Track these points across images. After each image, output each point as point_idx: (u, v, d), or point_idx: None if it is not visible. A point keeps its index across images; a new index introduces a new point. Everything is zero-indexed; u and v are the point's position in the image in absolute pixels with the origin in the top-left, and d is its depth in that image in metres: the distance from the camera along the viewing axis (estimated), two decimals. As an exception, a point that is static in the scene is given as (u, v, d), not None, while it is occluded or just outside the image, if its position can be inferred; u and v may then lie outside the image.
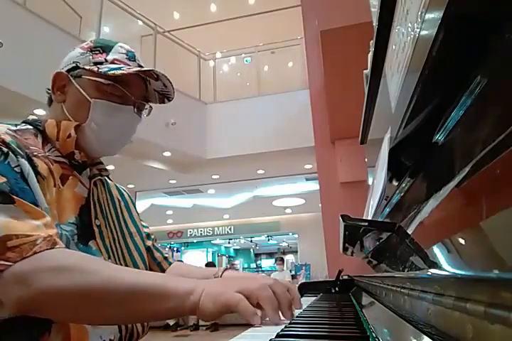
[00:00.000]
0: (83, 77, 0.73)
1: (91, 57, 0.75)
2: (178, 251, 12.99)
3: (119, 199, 0.85)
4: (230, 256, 15.40)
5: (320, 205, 3.59)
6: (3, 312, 0.53)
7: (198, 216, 10.55)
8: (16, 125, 0.70)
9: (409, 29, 0.36)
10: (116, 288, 0.51)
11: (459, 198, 0.26)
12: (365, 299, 0.69)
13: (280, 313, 0.53)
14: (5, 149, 0.59)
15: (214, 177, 7.65)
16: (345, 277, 1.22)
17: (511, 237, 0.14)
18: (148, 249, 0.86)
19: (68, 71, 0.74)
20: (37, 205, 0.57)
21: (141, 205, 8.96)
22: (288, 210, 10.42)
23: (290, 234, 11.77)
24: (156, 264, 0.88)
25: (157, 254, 0.89)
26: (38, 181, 0.61)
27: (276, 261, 8.07)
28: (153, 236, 0.91)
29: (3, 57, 3.86)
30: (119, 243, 0.77)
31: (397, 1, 0.45)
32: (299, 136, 5.73)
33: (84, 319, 0.55)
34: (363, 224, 0.55)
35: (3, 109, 4.28)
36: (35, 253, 0.51)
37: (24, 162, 0.60)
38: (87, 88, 0.72)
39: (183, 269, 0.90)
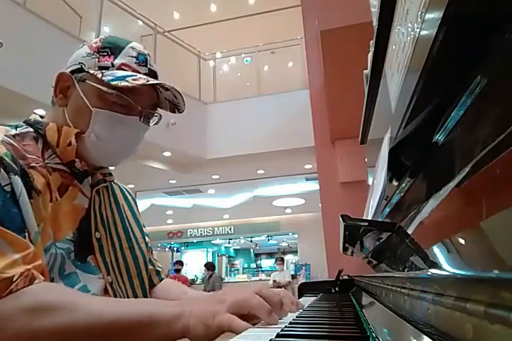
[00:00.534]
0: (87, 81, 0.67)
1: (97, 59, 0.68)
2: (178, 251, 12.99)
3: (123, 204, 0.81)
4: (230, 256, 15.39)
5: (320, 205, 3.59)
6: None
7: (198, 216, 10.55)
8: (16, 127, 0.66)
9: (409, 29, 0.36)
10: (99, 324, 0.47)
11: (459, 198, 0.26)
12: (365, 299, 0.69)
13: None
14: None
15: (214, 177, 7.65)
16: (345, 277, 1.22)
17: (511, 237, 0.14)
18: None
19: (72, 72, 0.69)
20: (24, 231, 0.54)
21: (141, 205, 8.92)
22: (288, 210, 10.42)
23: (290, 234, 11.76)
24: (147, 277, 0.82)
25: (150, 267, 0.83)
26: (33, 197, 0.57)
27: (276, 261, 8.07)
28: (150, 245, 0.86)
29: (3, 57, 3.86)
30: (123, 253, 0.74)
31: (397, 1, 0.45)
32: (299, 136, 5.72)
33: None
34: (363, 224, 0.55)
35: (3, 109, 4.28)
36: (11, 292, 0.47)
37: (17, 179, 0.56)
38: (89, 95, 0.67)
39: (171, 293, 0.83)
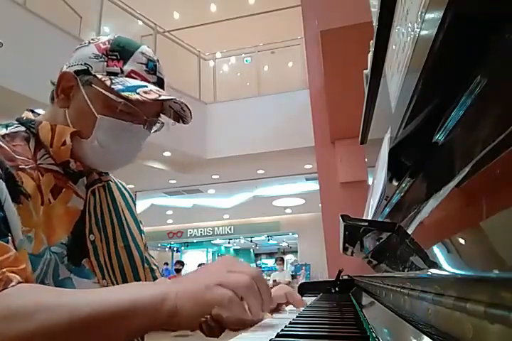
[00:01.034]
0: (93, 86, 0.64)
1: (105, 63, 0.65)
2: (178, 251, 13.00)
3: (120, 201, 0.79)
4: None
5: (320, 205, 3.59)
6: None
7: (198, 216, 10.55)
8: (6, 126, 0.64)
9: (409, 29, 0.36)
10: (79, 319, 0.44)
11: (459, 198, 0.26)
12: (365, 299, 0.69)
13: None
14: None
15: (214, 177, 7.65)
16: (345, 277, 1.22)
17: (511, 237, 0.14)
18: None
19: (77, 72, 0.65)
20: (6, 235, 0.52)
21: (141, 205, 8.95)
22: (288, 210, 10.43)
23: (290, 234, 11.77)
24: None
25: (145, 264, 0.81)
26: (21, 202, 0.55)
27: (276, 261, 8.08)
28: (145, 242, 0.84)
29: (3, 57, 3.86)
30: (118, 253, 0.72)
31: (397, 1, 0.45)
32: (299, 136, 5.73)
33: None
34: (363, 224, 0.55)
35: (3, 109, 4.28)
36: None
37: (1, 184, 0.54)
38: (95, 100, 0.64)
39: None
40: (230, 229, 11.35)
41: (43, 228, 0.58)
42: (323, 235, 3.41)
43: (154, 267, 0.83)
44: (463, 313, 0.17)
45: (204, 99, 7.00)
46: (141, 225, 0.83)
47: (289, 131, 6.06)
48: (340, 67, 2.32)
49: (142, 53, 0.68)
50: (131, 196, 0.86)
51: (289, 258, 12.88)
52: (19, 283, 0.48)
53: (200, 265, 7.46)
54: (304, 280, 7.58)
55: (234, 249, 15.85)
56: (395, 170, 0.52)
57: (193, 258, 12.18)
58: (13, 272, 0.49)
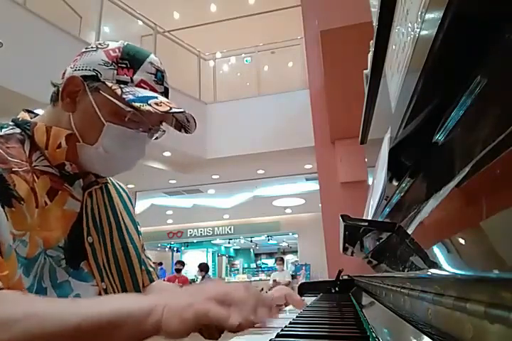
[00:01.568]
0: (101, 92, 0.64)
1: (115, 71, 0.65)
2: (178, 251, 13.00)
3: (118, 203, 0.79)
4: (230, 256, 15.40)
5: (320, 205, 3.59)
6: None
7: (198, 216, 10.55)
8: (1, 128, 0.63)
9: (409, 29, 0.36)
10: (61, 330, 0.43)
11: (459, 198, 0.26)
12: (365, 299, 0.69)
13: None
14: None
15: (214, 177, 7.65)
16: (345, 277, 1.22)
17: (511, 237, 0.14)
18: None
19: (85, 77, 0.65)
20: None
21: (141, 205, 8.96)
22: (288, 210, 10.42)
23: (290, 234, 11.76)
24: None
25: (142, 267, 0.80)
26: (13, 206, 0.55)
27: (276, 261, 8.07)
28: (142, 243, 0.83)
29: (3, 57, 3.86)
30: (116, 256, 0.72)
31: (397, 1, 0.45)
32: (299, 136, 5.73)
33: None
34: (363, 224, 0.55)
35: (3, 109, 4.28)
36: None
37: None
38: (102, 107, 0.64)
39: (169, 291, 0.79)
40: (230, 229, 11.35)
41: (38, 231, 0.57)
42: (323, 235, 3.41)
43: (151, 269, 0.82)
44: (463, 313, 0.17)
45: (204, 99, 6.99)
46: (138, 226, 0.83)
47: (289, 131, 6.06)
48: (340, 67, 2.32)
49: (151, 63, 0.69)
50: (128, 197, 0.85)
51: (289, 258, 12.89)
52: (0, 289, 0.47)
53: (200, 264, 7.47)
54: (303, 280, 7.58)
55: (234, 249, 15.85)
56: (395, 170, 0.52)
57: (193, 258, 12.18)
58: None
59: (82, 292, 0.63)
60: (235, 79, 8.33)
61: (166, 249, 12.77)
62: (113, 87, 0.63)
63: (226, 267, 14.31)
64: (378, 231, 0.57)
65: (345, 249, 0.71)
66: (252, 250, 15.90)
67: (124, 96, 0.62)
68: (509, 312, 0.13)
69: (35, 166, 0.62)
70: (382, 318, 0.42)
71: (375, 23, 0.56)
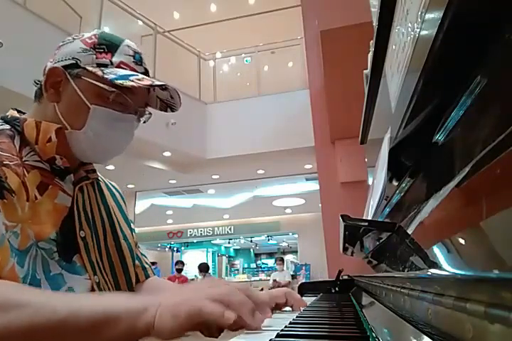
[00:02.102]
0: (83, 78, 0.65)
1: (94, 56, 0.67)
2: (178, 251, 12.99)
3: (110, 200, 0.79)
4: (230, 256, 15.40)
5: (320, 205, 3.59)
6: None
7: (198, 216, 10.55)
8: None
9: (409, 29, 0.36)
10: (49, 323, 0.42)
11: (459, 198, 0.26)
12: (365, 299, 0.69)
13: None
14: None
15: (214, 177, 7.65)
16: (345, 277, 1.22)
17: (511, 237, 0.14)
18: None
19: (65, 67, 0.67)
20: None
21: (141, 205, 8.96)
22: (288, 210, 10.42)
23: (290, 234, 11.76)
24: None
25: (136, 263, 0.80)
26: (5, 197, 0.55)
27: (276, 261, 8.08)
28: (136, 241, 0.83)
29: (3, 57, 3.86)
30: (108, 252, 0.72)
31: (397, 1, 0.45)
32: (299, 136, 5.73)
33: None
34: (363, 224, 0.55)
35: (3, 109, 4.28)
36: None
37: None
38: (86, 91, 0.65)
39: (158, 289, 0.80)
40: (230, 229, 11.34)
41: (29, 224, 0.58)
42: (323, 235, 3.42)
43: (146, 266, 0.83)
44: (463, 313, 0.17)
45: (204, 99, 7.00)
46: (131, 224, 0.83)
47: (289, 131, 6.06)
48: (340, 67, 2.32)
49: (128, 46, 0.71)
50: (121, 195, 0.85)
51: (289, 258, 12.89)
52: None
53: (201, 265, 7.47)
54: (303, 280, 7.58)
55: (234, 249, 15.85)
56: (395, 170, 0.52)
57: (193, 258, 12.18)
58: None
59: (74, 285, 0.63)
60: (235, 79, 8.33)
61: (166, 249, 12.77)
62: (94, 70, 0.65)
63: (226, 267, 14.31)
64: (378, 231, 0.57)
65: (345, 249, 0.71)
66: (252, 250, 15.90)
67: (106, 76, 0.64)
68: (509, 312, 0.13)
69: (25, 161, 0.62)
70: (382, 318, 0.42)
71: (375, 23, 0.56)
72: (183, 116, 6.24)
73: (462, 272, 0.19)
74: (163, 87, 0.69)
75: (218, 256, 14.10)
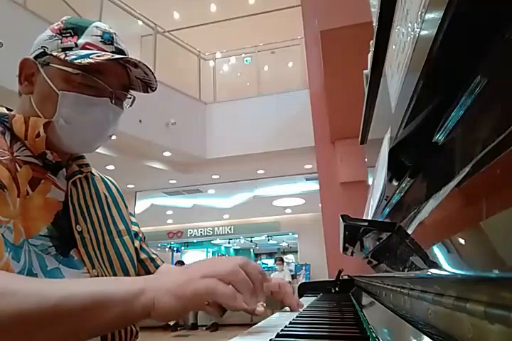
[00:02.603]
0: (51, 64, 0.64)
1: (60, 41, 0.65)
2: (178, 251, 12.99)
3: (106, 195, 0.78)
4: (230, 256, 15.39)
5: (320, 205, 3.60)
6: None
7: (198, 216, 10.55)
8: None
9: (409, 29, 0.36)
10: (44, 306, 0.41)
11: (459, 198, 0.26)
12: (365, 299, 0.69)
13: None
14: None
15: (214, 177, 7.65)
16: (345, 277, 1.22)
17: (511, 237, 0.14)
18: (135, 249, 0.79)
19: (36, 57, 0.66)
20: None
21: (141, 205, 8.96)
22: (288, 210, 10.42)
23: (290, 234, 11.76)
24: (142, 267, 0.80)
25: (143, 256, 0.80)
26: None
27: (275, 261, 8.08)
28: (141, 235, 0.83)
29: (3, 57, 3.86)
30: (106, 247, 0.71)
31: (397, 1, 0.45)
32: (299, 136, 5.73)
33: None
34: (363, 224, 0.55)
35: (3, 109, 4.29)
36: None
37: None
38: (55, 78, 0.63)
39: (169, 272, 0.79)
40: (230, 229, 11.34)
41: (21, 219, 0.57)
42: (323, 235, 3.42)
43: (154, 256, 0.82)
44: (463, 313, 0.17)
45: (204, 99, 7.00)
46: (132, 217, 0.82)
47: (289, 131, 6.07)
48: (340, 67, 2.32)
49: (96, 27, 0.68)
50: (118, 190, 0.83)
51: (289, 258, 12.89)
52: None
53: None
54: (303, 280, 7.58)
55: (234, 249, 15.85)
56: (395, 170, 0.52)
57: (193, 258, 12.17)
58: None
59: (73, 279, 0.62)
60: (235, 79, 8.33)
61: (166, 249, 12.76)
62: (58, 55, 0.63)
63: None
64: (378, 231, 0.57)
65: (345, 249, 0.71)
66: (252, 250, 15.90)
67: (67, 58, 0.62)
68: (509, 312, 0.13)
69: (16, 156, 0.62)
70: (382, 318, 0.42)
71: (375, 23, 0.56)
72: (183, 116, 6.25)
73: (462, 272, 0.19)
74: (135, 64, 0.66)
75: (218, 256, 14.10)
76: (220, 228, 11.38)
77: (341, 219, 0.58)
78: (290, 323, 0.50)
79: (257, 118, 6.43)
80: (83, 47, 0.65)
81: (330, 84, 2.67)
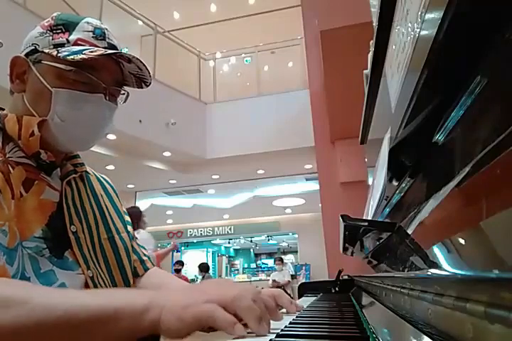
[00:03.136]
0: (43, 62, 0.63)
1: (51, 37, 0.64)
2: (178, 251, 12.97)
3: (101, 193, 0.77)
4: (230, 256, 15.39)
5: (320, 205, 3.59)
6: None
7: (198, 216, 10.55)
8: None
9: (409, 29, 0.36)
10: (46, 319, 0.40)
11: (459, 198, 0.26)
12: (365, 299, 0.69)
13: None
14: None
15: (214, 177, 7.65)
16: (345, 277, 1.22)
17: (511, 237, 0.14)
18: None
19: (27, 55, 0.64)
20: None
21: (141, 205, 8.95)
22: (288, 210, 10.42)
23: (290, 234, 11.76)
24: (130, 268, 0.77)
25: (133, 257, 0.78)
26: None
27: (275, 261, 8.08)
28: (132, 234, 0.81)
29: (3, 57, 3.86)
30: (102, 245, 0.70)
31: (397, 1, 0.45)
32: (299, 136, 5.73)
33: None
34: (363, 224, 0.55)
35: (3, 109, 4.28)
36: None
37: None
38: (47, 75, 0.62)
39: (156, 281, 0.78)
40: (230, 229, 11.34)
41: (15, 222, 0.57)
42: (323, 235, 3.42)
43: (144, 258, 0.81)
44: (463, 313, 0.17)
45: (204, 99, 6.99)
46: (125, 216, 0.81)
47: (289, 131, 6.06)
48: (341, 67, 2.32)
49: (87, 23, 0.67)
50: (113, 188, 0.83)
51: (289, 258, 12.89)
52: None
53: (201, 265, 7.45)
54: (303, 280, 7.58)
55: (234, 249, 15.85)
56: (395, 170, 0.52)
57: (193, 258, 12.17)
58: None
59: (67, 281, 0.62)
60: (235, 79, 8.33)
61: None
62: (50, 52, 0.62)
63: (226, 267, 14.30)
64: (378, 231, 0.57)
65: (345, 249, 0.71)
66: (252, 250, 15.90)
67: (59, 54, 0.61)
68: (509, 312, 0.13)
69: (9, 157, 0.61)
70: (382, 318, 0.42)
71: (375, 23, 0.57)
72: (183, 116, 6.25)
73: (462, 272, 0.19)
74: (128, 59, 0.65)
75: (218, 256, 14.10)
76: (220, 228, 11.38)
77: (341, 219, 0.58)
78: (290, 323, 0.50)
79: (257, 118, 6.43)
80: (75, 44, 0.64)
81: (330, 84, 2.67)
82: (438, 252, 0.24)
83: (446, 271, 0.22)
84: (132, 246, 0.79)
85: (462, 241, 0.21)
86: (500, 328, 0.14)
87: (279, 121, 6.22)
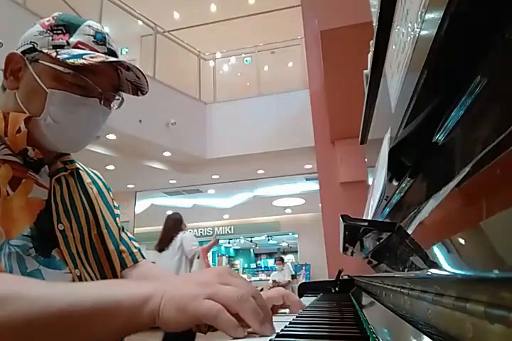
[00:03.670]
0: (40, 61, 0.62)
1: (50, 38, 0.64)
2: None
3: (91, 188, 0.76)
4: (230, 256, 15.39)
5: (320, 205, 3.60)
6: None
7: (198, 216, 10.55)
8: None
9: (409, 29, 0.36)
10: (48, 312, 0.39)
11: (459, 198, 0.26)
12: (365, 299, 0.69)
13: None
14: None
15: (214, 177, 7.65)
16: (345, 277, 1.22)
17: (511, 237, 0.14)
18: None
19: (24, 52, 0.64)
20: None
21: (141, 205, 8.95)
22: (288, 210, 10.42)
23: (290, 234, 11.76)
24: (118, 258, 0.75)
25: (121, 247, 0.76)
26: None
27: (275, 261, 8.08)
28: (120, 225, 0.79)
29: (4, 57, 3.86)
30: (91, 242, 0.70)
31: (397, 1, 0.45)
32: (299, 136, 5.73)
33: None
34: (363, 224, 0.55)
35: (3, 109, 4.28)
36: None
37: None
38: (43, 75, 0.62)
39: (148, 274, 0.77)
40: (230, 229, 11.34)
41: (1, 221, 0.56)
42: (323, 235, 3.42)
43: (134, 250, 0.79)
44: (463, 313, 0.17)
45: (204, 99, 7.00)
46: (115, 210, 0.80)
47: (289, 131, 6.07)
48: (341, 67, 2.32)
49: (89, 26, 0.67)
50: (104, 183, 0.82)
51: (289, 258, 12.89)
52: None
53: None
54: (303, 280, 7.58)
55: (234, 249, 15.85)
56: (395, 170, 0.52)
57: (193, 258, 12.14)
58: None
59: (54, 280, 0.61)
60: (235, 79, 8.33)
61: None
62: (49, 53, 0.62)
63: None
64: (378, 231, 0.57)
65: (345, 249, 0.71)
66: (252, 250, 15.91)
67: (59, 56, 0.60)
68: (509, 312, 0.13)
69: None
70: (382, 318, 0.42)
71: (375, 23, 0.56)
72: (183, 116, 6.25)
73: (462, 272, 0.19)
74: (127, 67, 0.65)
75: (218, 256, 14.10)
76: (220, 228, 11.37)
77: (341, 219, 0.58)
78: (290, 323, 0.50)
79: (257, 118, 6.44)
80: (75, 46, 0.64)
81: (330, 84, 2.67)
82: (438, 252, 0.24)
83: (446, 271, 0.22)
84: (121, 237, 0.77)
85: (462, 241, 0.21)
86: (500, 328, 0.14)
87: (279, 121, 6.22)
